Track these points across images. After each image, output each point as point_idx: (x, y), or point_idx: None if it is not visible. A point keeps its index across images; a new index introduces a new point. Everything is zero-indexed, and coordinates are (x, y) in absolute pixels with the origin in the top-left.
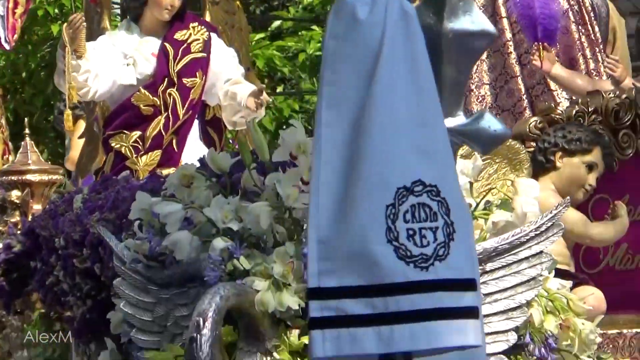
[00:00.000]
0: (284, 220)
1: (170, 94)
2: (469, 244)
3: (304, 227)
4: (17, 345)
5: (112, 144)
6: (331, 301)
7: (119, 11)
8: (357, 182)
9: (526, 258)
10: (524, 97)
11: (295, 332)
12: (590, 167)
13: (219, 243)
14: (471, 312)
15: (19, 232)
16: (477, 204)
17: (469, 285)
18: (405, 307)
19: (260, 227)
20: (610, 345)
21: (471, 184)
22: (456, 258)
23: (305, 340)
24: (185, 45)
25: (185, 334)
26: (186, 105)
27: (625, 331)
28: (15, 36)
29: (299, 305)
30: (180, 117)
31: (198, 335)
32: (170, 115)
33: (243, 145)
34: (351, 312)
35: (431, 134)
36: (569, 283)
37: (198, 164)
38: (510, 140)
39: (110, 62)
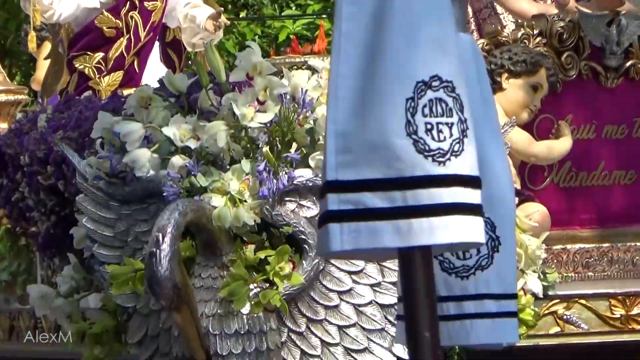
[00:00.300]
0: (240, 139)
1: (132, 17)
2: (475, 144)
3: (259, 146)
4: None
5: (76, 65)
6: (349, 194)
7: None
8: (377, 75)
9: None
10: (472, 19)
11: (251, 247)
12: (535, 88)
13: (177, 161)
14: (480, 210)
15: None
16: None
17: (478, 183)
18: (425, 201)
19: (217, 146)
20: (555, 261)
21: None
22: (469, 155)
23: (260, 255)
24: None
25: (145, 249)
26: (147, 28)
27: (569, 247)
28: None
29: (255, 220)
30: (142, 39)
31: (157, 250)
32: (132, 37)
33: (200, 66)
34: (370, 205)
35: (446, 30)
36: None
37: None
38: None
39: None
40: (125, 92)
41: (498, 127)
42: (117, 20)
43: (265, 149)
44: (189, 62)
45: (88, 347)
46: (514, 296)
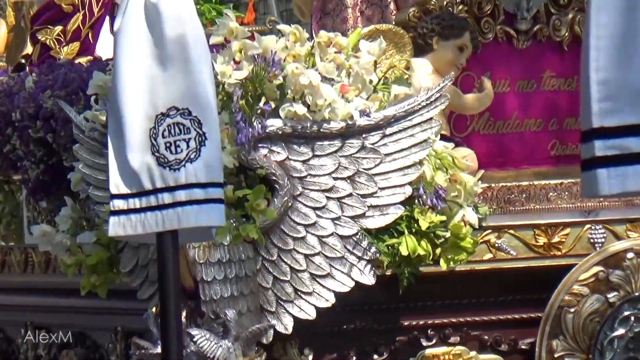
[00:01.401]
0: (218, 93)
1: None
2: None
3: (234, 100)
4: None
5: (39, 37)
6: (615, 140)
7: None
8: (638, 23)
9: (419, 123)
10: None
11: (230, 187)
12: (461, 49)
13: None
14: None
15: None
16: (379, 79)
17: None
18: None
19: None
20: (481, 197)
21: (375, 62)
22: None
23: (239, 193)
24: None
25: None
26: (99, 4)
27: (492, 184)
28: None
29: (233, 164)
30: (95, 14)
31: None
32: (87, 13)
33: None
34: (635, 150)
35: None
36: (451, 144)
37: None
38: (394, 26)
39: None
40: (81, 60)
41: None
42: None
43: (241, 102)
44: None
45: (85, 276)
46: (220, 185)
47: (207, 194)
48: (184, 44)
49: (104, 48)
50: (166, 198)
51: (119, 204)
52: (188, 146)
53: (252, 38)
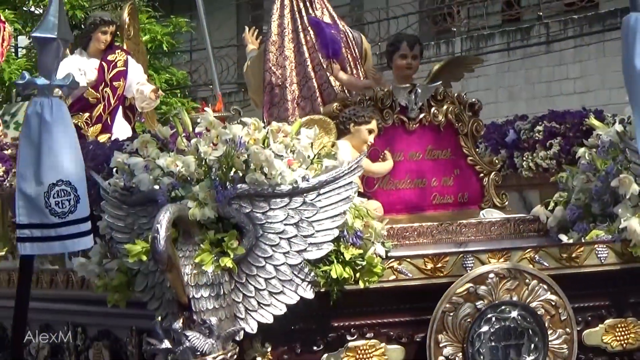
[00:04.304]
0: (202, 166)
1: (106, 91)
2: None
3: (213, 170)
4: None
5: (73, 120)
6: None
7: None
8: None
9: (343, 185)
10: (317, 90)
11: (212, 232)
12: (370, 131)
13: (166, 180)
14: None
15: None
16: (315, 155)
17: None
18: None
19: (190, 170)
20: (386, 235)
21: (311, 143)
22: None
23: (218, 236)
24: (113, 63)
25: (144, 234)
26: (115, 97)
27: (393, 225)
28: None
29: (214, 215)
30: (112, 105)
31: (157, 235)
32: (106, 103)
33: (177, 121)
34: None
35: None
36: (365, 199)
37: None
38: (323, 116)
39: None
40: (102, 137)
41: None
42: (97, 93)
43: (219, 172)
44: (140, 118)
45: (110, 294)
46: (87, 219)
47: (79, 229)
48: (65, 137)
49: (118, 128)
50: (55, 232)
51: (25, 232)
52: (69, 203)
53: (222, 120)
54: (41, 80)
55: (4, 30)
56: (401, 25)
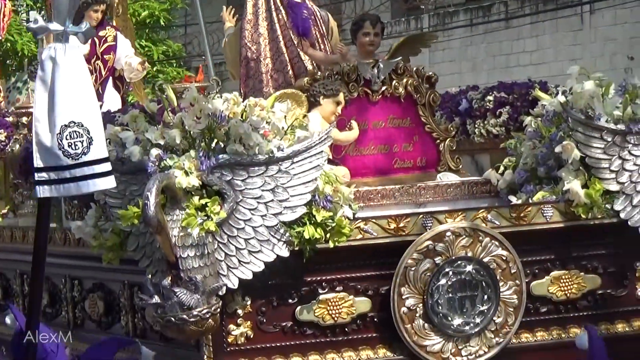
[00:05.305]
0: (187, 138)
1: (97, 64)
2: None
3: (197, 142)
4: None
5: None
6: None
7: None
8: None
9: (314, 154)
10: (288, 64)
11: (196, 198)
12: (338, 103)
13: (155, 151)
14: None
15: None
16: (288, 127)
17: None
18: None
19: (176, 142)
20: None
21: (285, 116)
22: None
23: (202, 202)
24: (104, 38)
25: (135, 200)
26: (106, 69)
27: (359, 189)
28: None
29: (199, 183)
30: (103, 76)
31: (147, 201)
32: (98, 75)
33: (164, 97)
34: None
35: None
36: (333, 166)
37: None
38: (295, 90)
39: None
40: None
41: None
42: (90, 66)
43: (202, 143)
44: (128, 87)
45: (105, 253)
46: (107, 160)
47: (94, 170)
48: (78, 80)
49: (109, 97)
50: (70, 173)
51: (42, 176)
52: (82, 144)
53: (202, 90)
54: (54, 26)
55: (5, 6)
56: (375, 2)
